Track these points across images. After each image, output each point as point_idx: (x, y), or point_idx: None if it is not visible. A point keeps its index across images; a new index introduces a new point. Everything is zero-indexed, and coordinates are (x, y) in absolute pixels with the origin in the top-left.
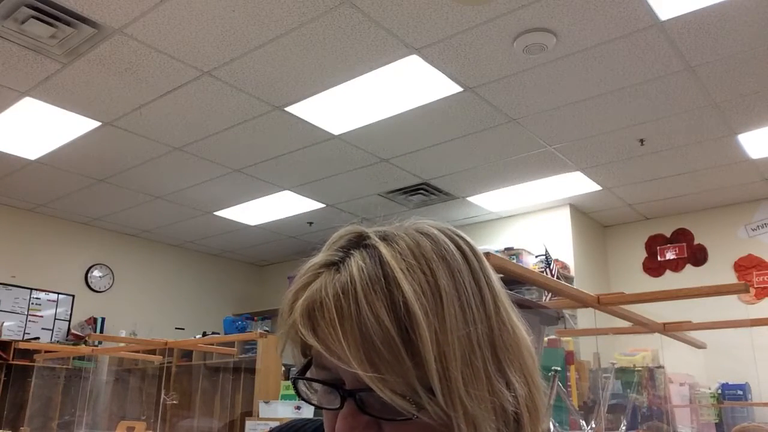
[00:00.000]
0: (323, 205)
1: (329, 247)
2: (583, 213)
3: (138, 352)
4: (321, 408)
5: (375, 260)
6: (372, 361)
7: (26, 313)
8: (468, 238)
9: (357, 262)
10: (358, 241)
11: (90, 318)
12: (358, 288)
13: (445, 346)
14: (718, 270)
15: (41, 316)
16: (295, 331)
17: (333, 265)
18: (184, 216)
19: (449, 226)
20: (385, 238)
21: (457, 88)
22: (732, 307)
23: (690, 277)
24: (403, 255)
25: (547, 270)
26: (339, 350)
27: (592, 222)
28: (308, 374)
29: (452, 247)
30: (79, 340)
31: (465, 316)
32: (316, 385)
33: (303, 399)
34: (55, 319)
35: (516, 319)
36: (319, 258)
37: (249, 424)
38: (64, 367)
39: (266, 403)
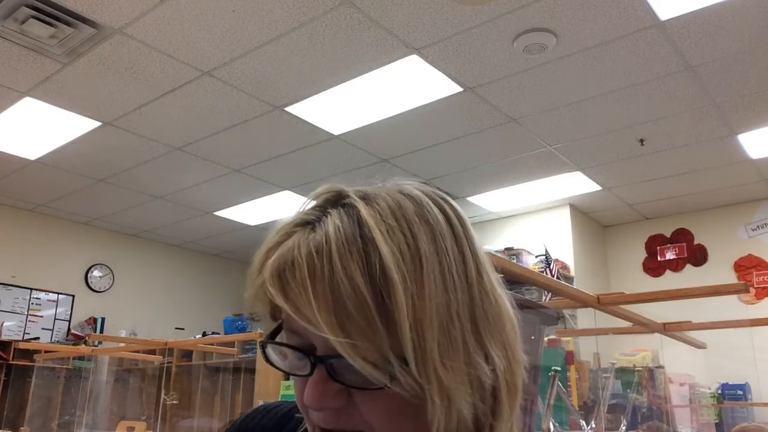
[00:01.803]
0: None
1: (305, 205)
2: (583, 213)
3: (138, 352)
4: (290, 374)
5: (353, 220)
6: (343, 326)
7: (26, 313)
8: (453, 202)
9: (333, 221)
10: (336, 200)
11: (90, 318)
12: (332, 248)
13: (422, 313)
14: (718, 270)
15: (41, 316)
16: (264, 291)
17: (308, 224)
18: (184, 216)
19: (434, 189)
20: (365, 197)
21: (457, 88)
22: (732, 307)
23: (690, 277)
24: (384, 216)
25: (547, 270)
26: (309, 313)
27: (592, 222)
28: (278, 339)
29: (435, 210)
30: (79, 340)
31: (445, 283)
32: (285, 351)
33: (271, 364)
34: (55, 319)
35: (500, 289)
36: (293, 217)
37: None
38: (64, 367)
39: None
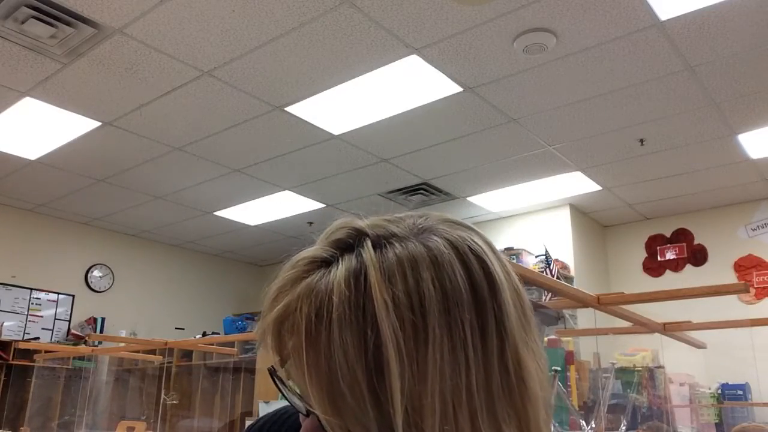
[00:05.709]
0: (323, 205)
1: (325, 239)
2: (583, 213)
3: (138, 352)
4: (292, 405)
5: (359, 283)
6: (333, 403)
7: (26, 313)
8: (486, 255)
9: (339, 282)
10: (353, 243)
11: (90, 318)
12: (333, 316)
13: (422, 398)
14: (718, 270)
15: (41, 316)
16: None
17: (320, 267)
18: (184, 216)
19: (467, 237)
20: (382, 245)
21: (457, 88)
22: (732, 307)
23: (690, 277)
24: (393, 280)
25: (547, 270)
26: (301, 384)
27: (592, 222)
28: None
29: (458, 271)
30: (79, 340)
31: (455, 362)
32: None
33: (280, 391)
34: (55, 319)
35: (530, 360)
36: (310, 252)
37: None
38: (64, 367)
39: (266, 403)
